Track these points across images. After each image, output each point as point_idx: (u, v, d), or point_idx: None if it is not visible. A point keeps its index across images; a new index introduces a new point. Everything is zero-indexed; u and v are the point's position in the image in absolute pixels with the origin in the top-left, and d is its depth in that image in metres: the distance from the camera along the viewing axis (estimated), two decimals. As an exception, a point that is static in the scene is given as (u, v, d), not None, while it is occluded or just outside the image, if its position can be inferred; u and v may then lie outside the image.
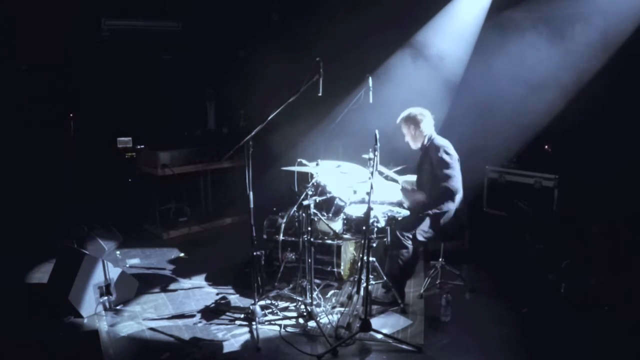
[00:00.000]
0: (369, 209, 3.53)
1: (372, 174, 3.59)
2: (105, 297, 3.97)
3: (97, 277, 3.94)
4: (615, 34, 4.50)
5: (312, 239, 3.94)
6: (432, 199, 3.96)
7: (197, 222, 6.23)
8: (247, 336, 3.62)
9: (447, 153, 3.91)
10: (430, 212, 3.93)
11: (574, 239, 4.43)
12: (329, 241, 4.40)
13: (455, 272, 4.41)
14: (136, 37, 6.58)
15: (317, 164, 4.08)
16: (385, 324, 3.73)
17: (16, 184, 5.92)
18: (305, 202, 3.91)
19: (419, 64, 5.60)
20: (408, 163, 4.42)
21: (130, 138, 6.43)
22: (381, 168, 4.25)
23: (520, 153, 5.44)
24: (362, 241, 3.89)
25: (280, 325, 3.72)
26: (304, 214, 3.95)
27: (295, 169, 4.15)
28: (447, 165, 3.88)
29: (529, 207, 5.05)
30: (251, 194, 3.69)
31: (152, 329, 3.73)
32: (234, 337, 3.61)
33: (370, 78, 4.25)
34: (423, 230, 3.93)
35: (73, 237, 5.00)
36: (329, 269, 4.43)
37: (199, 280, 4.68)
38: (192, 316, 3.93)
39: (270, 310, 3.90)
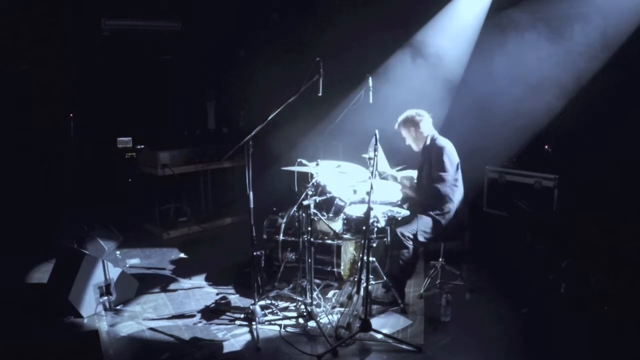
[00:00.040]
0: (369, 209, 3.53)
1: (372, 173, 3.59)
2: (105, 297, 3.97)
3: (97, 277, 3.94)
4: (615, 33, 4.49)
5: (312, 239, 3.94)
6: (423, 197, 3.96)
7: (197, 222, 6.23)
8: (247, 336, 3.61)
9: (448, 157, 3.92)
10: (432, 213, 3.93)
11: (574, 239, 4.42)
12: (329, 241, 4.40)
13: (455, 272, 4.41)
14: (136, 37, 6.59)
15: (317, 164, 4.08)
16: (385, 324, 3.73)
17: (16, 183, 5.92)
18: (305, 202, 3.91)
19: (419, 63, 5.60)
20: (408, 163, 4.42)
21: (130, 138, 6.44)
22: (382, 166, 4.25)
23: (520, 153, 5.43)
24: (362, 241, 3.89)
25: (280, 325, 3.72)
26: (304, 214, 3.94)
27: (295, 169, 4.14)
28: (443, 168, 3.90)
29: (529, 207, 5.05)
30: (251, 194, 3.69)
31: (152, 329, 3.73)
32: (234, 337, 3.61)
33: (370, 78, 4.25)
34: (424, 231, 3.93)
35: (73, 237, 4.99)
36: (329, 269, 4.43)
37: (199, 280, 4.68)
38: (192, 316, 3.93)
39: (270, 310, 3.90)
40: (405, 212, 4.05)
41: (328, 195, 4.38)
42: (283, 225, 4.54)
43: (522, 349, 3.44)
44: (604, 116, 4.47)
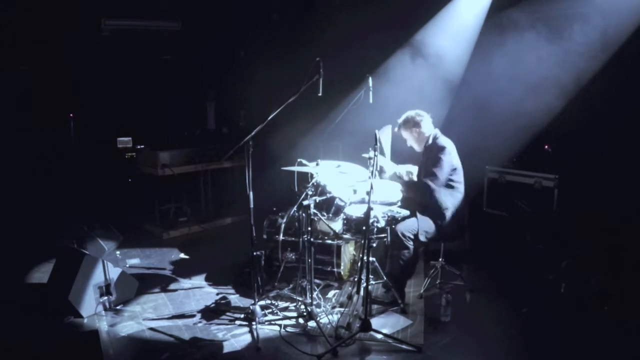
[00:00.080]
0: (369, 209, 3.53)
1: (372, 173, 3.59)
2: (105, 297, 3.97)
3: (97, 277, 3.94)
4: (615, 33, 4.49)
5: (312, 239, 3.94)
6: (413, 193, 4.00)
7: (197, 222, 6.23)
8: (247, 336, 3.61)
9: (447, 156, 3.91)
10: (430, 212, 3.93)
11: (574, 239, 4.42)
12: (329, 241, 4.40)
13: (455, 272, 4.41)
14: (136, 37, 6.59)
15: (317, 164, 4.08)
16: (385, 324, 3.73)
17: (16, 183, 5.92)
18: (305, 202, 3.91)
19: (419, 63, 5.59)
20: (408, 163, 4.42)
21: (130, 138, 6.44)
22: (382, 160, 4.23)
23: (520, 153, 5.42)
24: (362, 241, 3.89)
25: (280, 325, 3.73)
26: (304, 214, 3.94)
27: (295, 169, 4.14)
28: (439, 165, 3.88)
29: (529, 207, 5.04)
30: (251, 194, 3.69)
31: (152, 329, 3.73)
32: (234, 337, 3.61)
33: (370, 78, 4.24)
34: (425, 231, 3.93)
35: (73, 237, 4.99)
36: (329, 269, 4.43)
37: (199, 280, 4.68)
38: (192, 316, 3.93)
39: (270, 310, 3.91)
40: (405, 212, 4.05)
41: (328, 195, 4.38)
42: (283, 225, 4.54)
43: (522, 349, 3.44)
44: (604, 116, 4.46)
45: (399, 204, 4.22)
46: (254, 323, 3.71)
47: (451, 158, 3.96)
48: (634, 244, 4.01)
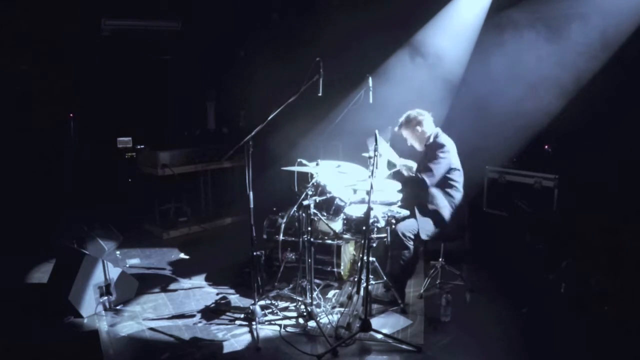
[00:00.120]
0: (369, 209, 3.53)
1: (372, 173, 3.59)
2: (105, 297, 3.97)
3: (97, 277, 3.94)
4: (615, 33, 4.49)
5: (312, 239, 3.94)
6: (409, 187, 4.01)
7: (197, 222, 6.23)
8: (247, 336, 3.61)
9: (445, 154, 3.90)
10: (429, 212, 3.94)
11: (574, 239, 4.42)
12: (329, 241, 4.40)
13: (455, 272, 4.41)
14: (136, 37, 6.59)
15: (317, 164, 4.08)
16: (385, 324, 3.73)
17: (16, 184, 5.92)
18: (305, 202, 3.91)
19: (419, 63, 5.60)
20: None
21: (130, 138, 6.45)
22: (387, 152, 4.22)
23: (520, 153, 5.43)
24: (362, 241, 3.89)
25: (280, 325, 3.73)
26: (304, 214, 3.94)
27: (295, 169, 4.14)
28: (436, 161, 3.88)
29: (529, 207, 5.05)
30: (251, 194, 3.69)
31: (152, 329, 3.73)
32: (234, 337, 3.61)
33: (370, 78, 4.24)
34: (426, 230, 3.93)
35: (73, 237, 4.99)
36: (329, 269, 4.43)
37: (199, 280, 4.68)
38: (192, 316, 3.93)
39: (270, 310, 3.91)
40: (405, 212, 4.05)
41: (328, 195, 4.38)
42: (283, 225, 4.54)
43: (522, 349, 3.44)
44: (604, 116, 4.46)
45: (399, 204, 4.22)
46: (254, 323, 3.71)
47: (450, 156, 3.96)
48: (634, 244, 4.01)
